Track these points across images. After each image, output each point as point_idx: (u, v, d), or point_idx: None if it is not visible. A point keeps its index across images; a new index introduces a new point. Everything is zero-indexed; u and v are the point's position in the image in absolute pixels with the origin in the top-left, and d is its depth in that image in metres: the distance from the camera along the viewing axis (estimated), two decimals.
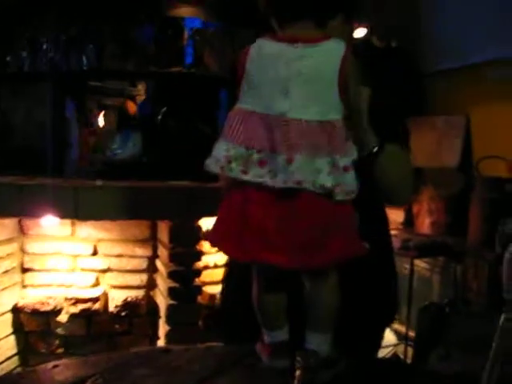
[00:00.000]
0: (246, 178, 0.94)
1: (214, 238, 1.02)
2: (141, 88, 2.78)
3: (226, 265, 1.50)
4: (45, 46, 2.53)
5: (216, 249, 1.06)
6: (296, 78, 0.94)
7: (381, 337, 1.36)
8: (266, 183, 0.93)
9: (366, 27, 2.96)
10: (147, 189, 2.32)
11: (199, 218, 2.34)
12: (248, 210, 0.96)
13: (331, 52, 0.96)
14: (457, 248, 2.63)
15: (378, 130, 1.09)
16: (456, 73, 2.98)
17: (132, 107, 2.70)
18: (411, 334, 2.68)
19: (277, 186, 0.92)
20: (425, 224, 2.89)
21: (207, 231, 1.04)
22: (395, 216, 3.01)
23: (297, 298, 1.03)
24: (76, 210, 2.27)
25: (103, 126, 2.62)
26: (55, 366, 1.09)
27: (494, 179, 2.57)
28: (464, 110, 2.94)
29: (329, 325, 1.02)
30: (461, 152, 2.94)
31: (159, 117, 2.40)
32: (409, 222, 3.01)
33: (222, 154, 0.95)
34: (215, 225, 1.02)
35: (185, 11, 2.48)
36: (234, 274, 1.40)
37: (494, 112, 2.75)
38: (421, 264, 2.92)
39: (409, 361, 2.50)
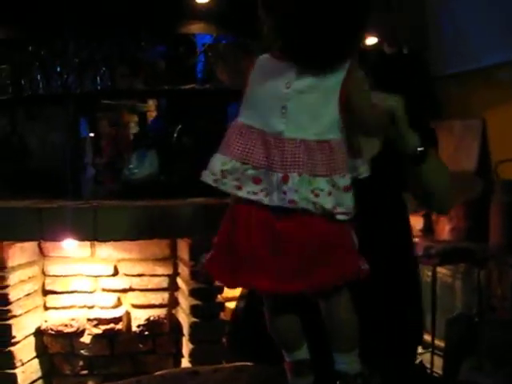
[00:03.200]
0: (240, 193, 0.94)
1: (209, 265, 1.01)
2: (152, 104, 2.78)
3: None
4: (58, 69, 2.54)
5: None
6: (295, 98, 0.94)
7: (413, 354, 1.34)
8: (261, 201, 0.93)
9: (376, 35, 2.95)
10: (165, 207, 2.32)
11: None
12: (235, 231, 0.95)
13: (331, 73, 0.94)
14: (479, 253, 2.60)
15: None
16: (470, 76, 2.95)
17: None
18: (437, 342, 2.65)
19: (271, 205, 0.92)
20: (445, 230, 2.86)
21: (203, 258, 1.04)
22: (414, 223, 2.97)
23: (313, 314, 1.01)
24: (95, 232, 2.27)
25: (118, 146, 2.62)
26: None
27: None
28: (480, 114, 2.92)
29: (352, 342, 1.00)
30: (478, 156, 2.91)
31: (175, 135, 2.40)
32: (428, 229, 2.98)
33: (217, 168, 0.94)
34: (211, 252, 1.01)
35: (196, 27, 2.48)
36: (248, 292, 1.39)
37: (510, 115, 2.72)
38: (443, 271, 2.89)
39: (437, 370, 2.47)
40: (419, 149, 1.11)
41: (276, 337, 1.05)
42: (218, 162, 0.95)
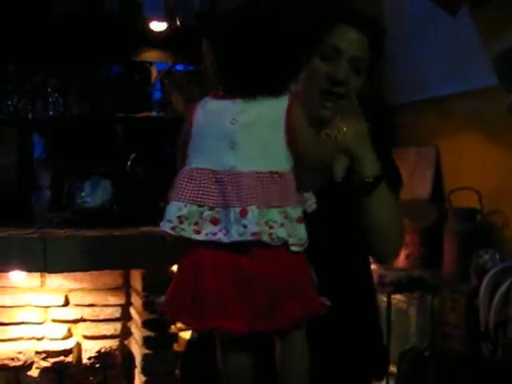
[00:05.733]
0: (199, 237, 0.94)
1: (167, 308, 1.01)
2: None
3: None
4: (9, 93, 2.49)
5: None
6: (241, 131, 0.96)
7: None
8: (220, 240, 0.92)
9: None
10: (118, 237, 2.28)
11: (172, 264, 2.30)
12: (200, 276, 0.95)
13: (273, 104, 0.97)
14: (433, 281, 2.64)
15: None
16: (424, 105, 3.01)
17: None
18: (392, 369, 2.66)
19: (231, 241, 0.91)
20: (400, 257, 2.90)
21: (159, 300, 1.03)
22: None
23: (265, 357, 1.00)
24: (45, 263, 2.21)
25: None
26: None
27: (466, 210, 2.59)
28: (434, 142, 2.97)
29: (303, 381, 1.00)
30: (432, 183, 2.96)
31: (128, 163, 2.37)
32: None
33: (174, 214, 0.94)
34: (168, 293, 1.00)
35: (152, 55, 2.47)
36: None
37: (463, 143, 2.78)
38: (397, 297, 2.92)
39: None
40: (367, 179, 1.11)
41: (224, 374, 1.04)
42: (174, 208, 0.95)
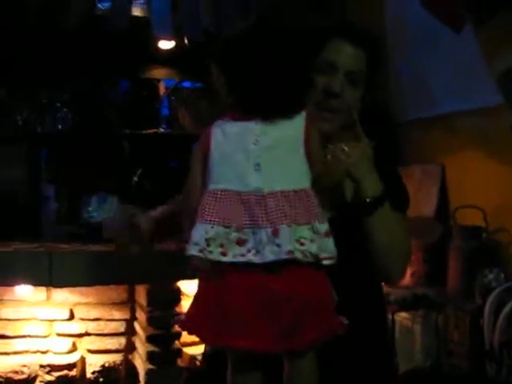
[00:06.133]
0: (226, 259, 0.94)
1: (190, 324, 1.00)
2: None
3: None
4: (19, 108, 2.52)
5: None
6: (264, 153, 0.96)
7: None
8: (251, 261, 0.92)
9: None
10: None
11: (177, 280, 2.32)
12: (227, 295, 0.95)
13: (291, 125, 0.99)
14: (437, 299, 2.63)
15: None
16: (430, 122, 3.01)
17: None
18: None
19: (264, 262, 0.91)
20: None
21: (179, 317, 1.04)
22: None
23: (274, 377, 1.00)
24: (50, 277, 2.23)
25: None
26: None
27: (471, 228, 2.58)
28: (439, 160, 2.97)
29: None
30: (437, 201, 2.96)
31: (135, 179, 2.38)
32: None
33: (201, 237, 0.94)
34: (190, 310, 1.00)
35: (160, 72, 2.49)
36: None
37: (468, 161, 2.78)
38: (402, 314, 2.91)
39: None
40: (368, 200, 1.10)
41: None
42: (201, 231, 0.95)
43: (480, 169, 2.68)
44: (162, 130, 2.45)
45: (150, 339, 2.36)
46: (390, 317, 2.76)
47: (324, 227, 0.95)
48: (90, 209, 2.43)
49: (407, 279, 2.85)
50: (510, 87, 2.16)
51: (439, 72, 2.93)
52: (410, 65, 3.13)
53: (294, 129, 0.98)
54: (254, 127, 0.97)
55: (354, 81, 1.18)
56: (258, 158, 0.96)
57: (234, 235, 0.93)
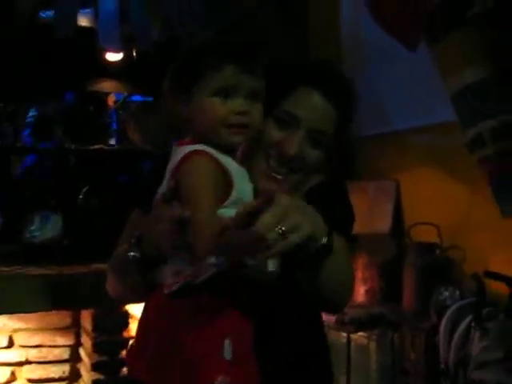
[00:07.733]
0: None
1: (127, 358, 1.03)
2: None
3: None
4: None
5: None
6: None
7: None
8: None
9: None
10: (67, 275, 2.17)
11: (125, 304, 2.21)
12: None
13: None
14: (393, 318, 2.61)
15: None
16: (384, 138, 3.02)
17: None
18: None
19: None
20: (360, 292, 2.86)
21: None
22: None
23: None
24: None
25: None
26: None
27: (425, 245, 2.59)
28: (394, 176, 2.97)
29: None
30: (392, 217, 2.95)
31: (80, 196, 2.28)
32: None
33: None
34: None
35: (108, 85, 2.40)
36: None
37: (422, 178, 2.79)
38: (358, 333, 2.88)
39: None
40: (323, 242, 0.93)
41: None
42: None
43: (434, 185, 2.70)
44: (110, 144, 2.35)
45: (95, 366, 2.25)
46: (345, 334, 2.73)
47: None
48: (32, 228, 2.31)
49: (362, 297, 2.83)
50: (464, 105, 2.17)
51: (394, 89, 2.94)
52: (366, 81, 3.13)
53: None
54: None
55: (317, 142, 1.04)
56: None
57: None
